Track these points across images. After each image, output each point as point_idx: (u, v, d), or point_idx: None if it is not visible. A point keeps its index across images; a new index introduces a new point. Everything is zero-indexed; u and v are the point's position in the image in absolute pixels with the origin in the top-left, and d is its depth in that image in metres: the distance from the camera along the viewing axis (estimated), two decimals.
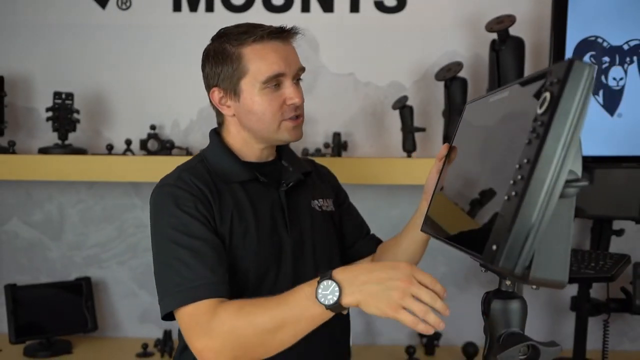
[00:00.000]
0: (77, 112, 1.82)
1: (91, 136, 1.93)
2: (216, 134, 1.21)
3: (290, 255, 1.14)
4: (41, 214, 1.98)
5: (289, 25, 1.13)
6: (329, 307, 0.85)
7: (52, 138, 1.86)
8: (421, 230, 1.02)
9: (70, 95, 1.81)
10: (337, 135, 1.83)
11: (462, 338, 1.88)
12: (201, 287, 0.98)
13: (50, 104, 1.82)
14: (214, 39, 1.15)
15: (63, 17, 1.91)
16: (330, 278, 0.86)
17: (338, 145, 1.82)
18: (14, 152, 1.79)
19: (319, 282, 0.86)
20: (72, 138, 1.87)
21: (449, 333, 1.93)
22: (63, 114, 1.79)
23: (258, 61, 1.09)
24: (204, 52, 1.17)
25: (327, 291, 0.85)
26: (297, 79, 1.15)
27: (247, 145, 1.18)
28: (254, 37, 1.09)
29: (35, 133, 1.93)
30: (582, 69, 0.59)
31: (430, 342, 1.86)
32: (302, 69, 1.15)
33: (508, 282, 0.75)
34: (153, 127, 1.85)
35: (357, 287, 0.84)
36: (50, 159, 1.74)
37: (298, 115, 1.14)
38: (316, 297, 0.85)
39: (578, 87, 0.59)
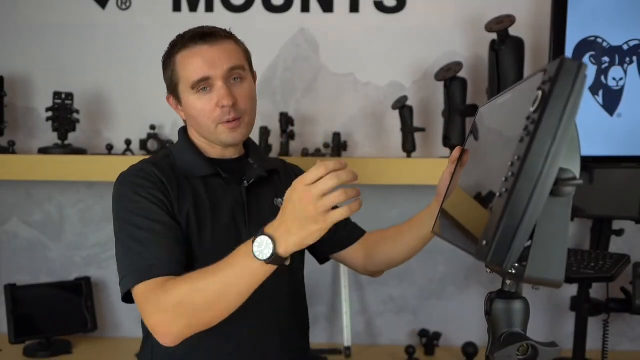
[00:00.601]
0: (77, 112, 1.83)
1: (91, 136, 1.93)
2: (184, 132, 1.26)
3: None
4: (41, 214, 1.98)
5: (224, 28, 1.16)
6: (268, 261, 0.88)
7: (52, 138, 1.86)
8: (432, 231, 1.02)
9: (70, 95, 1.81)
10: (336, 135, 1.83)
11: (462, 338, 1.88)
12: (155, 266, 1.01)
13: (50, 104, 1.82)
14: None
15: (63, 17, 1.91)
16: (263, 234, 0.88)
17: (338, 146, 1.83)
18: (14, 152, 1.79)
19: (253, 241, 0.89)
20: (72, 138, 1.87)
21: (449, 333, 1.93)
22: (63, 114, 1.79)
23: (185, 68, 1.13)
24: None
25: (262, 247, 0.88)
26: (234, 78, 1.14)
27: (207, 144, 1.21)
28: (181, 43, 1.14)
29: (35, 133, 1.93)
30: (573, 67, 0.59)
31: (430, 342, 1.86)
32: (238, 67, 1.14)
33: (509, 282, 0.75)
34: (153, 127, 1.85)
35: (284, 231, 0.87)
36: (50, 159, 1.74)
37: (235, 118, 1.13)
38: (253, 255, 0.88)
39: (569, 85, 0.59)
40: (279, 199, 1.24)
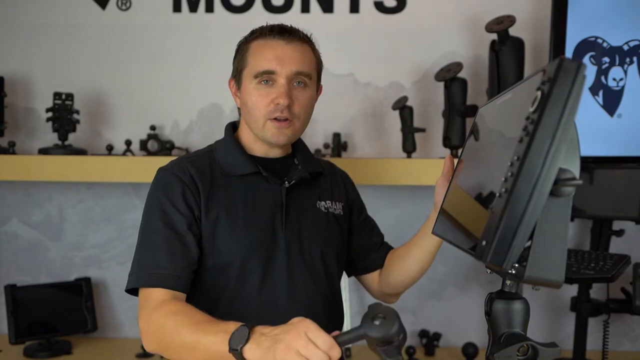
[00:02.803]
0: (77, 112, 1.82)
1: (91, 137, 1.93)
2: (231, 127, 1.26)
3: (284, 252, 1.14)
4: (41, 214, 1.98)
5: (299, 29, 1.17)
6: (231, 351, 0.87)
7: (52, 138, 1.86)
8: (432, 232, 1.02)
9: (70, 96, 1.81)
10: (337, 136, 1.83)
11: (462, 338, 1.88)
12: (158, 276, 1.05)
13: (50, 104, 1.82)
14: None
15: (63, 17, 1.91)
16: (250, 329, 0.87)
17: (338, 146, 1.83)
18: (14, 153, 1.79)
19: (242, 325, 0.88)
20: (72, 138, 1.87)
21: (449, 333, 1.93)
22: (63, 114, 1.79)
23: (255, 55, 1.14)
24: None
25: (239, 338, 0.87)
26: (297, 82, 1.14)
27: (254, 141, 1.20)
28: (260, 33, 1.15)
29: (35, 133, 1.93)
30: (572, 67, 0.59)
31: (430, 342, 1.86)
32: (304, 73, 1.14)
33: (509, 282, 0.75)
34: (153, 128, 1.85)
35: (257, 342, 0.85)
36: (50, 160, 1.74)
37: (286, 118, 1.13)
38: (230, 337, 0.87)
39: (567, 85, 0.59)
40: (322, 202, 1.23)
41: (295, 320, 0.84)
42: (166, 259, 1.07)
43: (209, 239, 1.11)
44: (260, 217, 1.14)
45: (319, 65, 1.21)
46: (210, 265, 1.12)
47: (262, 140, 1.18)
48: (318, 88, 1.23)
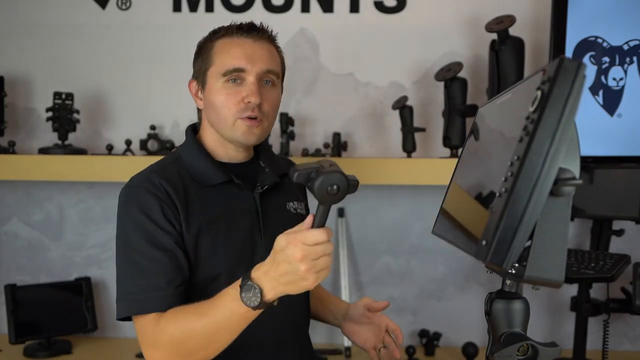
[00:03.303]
0: (77, 112, 1.83)
1: (91, 136, 1.93)
2: (192, 130, 1.21)
3: (265, 258, 1.12)
4: (41, 214, 1.98)
5: (265, 27, 1.14)
6: (256, 308, 0.90)
7: (52, 138, 1.86)
8: (432, 232, 1.01)
9: (70, 95, 1.81)
10: (337, 136, 1.83)
11: (462, 338, 1.88)
12: (152, 299, 1.01)
13: (50, 104, 1.82)
14: None
15: (63, 17, 1.91)
16: (250, 280, 0.90)
17: (338, 146, 1.83)
18: (14, 152, 1.79)
19: (241, 287, 0.90)
20: (72, 138, 1.87)
21: (449, 333, 1.93)
22: (63, 114, 1.79)
23: (222, 54, 1.11)
24: None
25: (250, 294, 0.89)
26: (265, 81, 1.12)
27: (219, 145, 1.16)
28: (225, 31, 1.12)
29: (35, 133, 1.93)
30: (572, 66, 0.59)
31: (431, 342, 1.86)
32: (272, 72, 1.12)
33: (509, 282, 0.75)
34: (153, 127, 1.85)
35: (273, 282, 0.88)
36: (50, 159, 1.74)
37: (256, 117, 1.10)
38: (242, 301, 0.90)
39: (568, 85, 0.59)
40: (290, 204, 1.22)
41: (278, 246, 0.87)
42: (158, 278, 1.02)
43: (192, 254, 1.07)
44: (239, 226, 1.12)
45: (283, 66, 1.18)
46: (195, 280, 1.08)
47: (230, 141, 1.14)
48: (281, 88, 1.20)
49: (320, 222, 0.87)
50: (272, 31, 1.16)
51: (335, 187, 0.84)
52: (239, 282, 0.91)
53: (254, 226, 1.13)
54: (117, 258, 1.07)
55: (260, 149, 1.23)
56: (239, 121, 1.10)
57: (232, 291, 0.92)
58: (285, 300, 0.94)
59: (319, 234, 0.85)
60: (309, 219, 0.88)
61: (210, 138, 1.17)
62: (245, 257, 1.11)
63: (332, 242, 0.88)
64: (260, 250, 1.12)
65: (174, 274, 1.04)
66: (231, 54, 1.10)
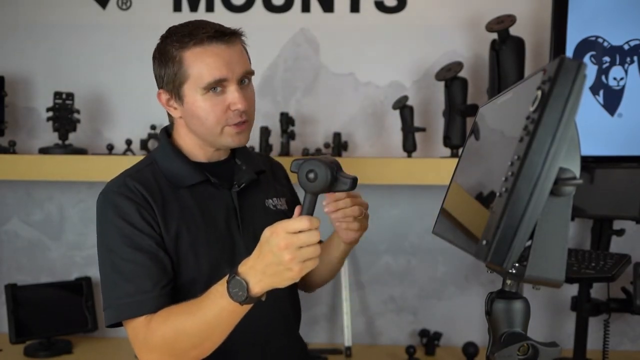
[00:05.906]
0: (78, 112, 1.83)
1: (91, 136, 1.93)
2: (166, 134, 1.19)
3: (245, 256, 1.09)
4: (41, 214, 1.98)
5: (233, 27, 1.11)
6: (243, 302, 0.91)
7: (52, 138, 1.86)
8: (433, 232, 1.01)
9: (70, 95, 1.81)
10: (337, 135, 1.83)
11: (463, 338, 1.88)
12: (140, 302, 1.02)
13: (50, 104, 1.82)
14: (161, 38, 1.13)
15: (63, 17, 1.91)
16: (237, 275, 0.90)
17: (338, 145, 1.83)
18: (14, 152, 1.79)
19: (228, 282, 0.91)
20: (73, 138, 1.87)
21: (449, 333, 1.93)
22: (63, 114, 1.79)
23: (198, 66, 1.06)
24: (153, 52, 1.15)
25: (237, 288, 0.90)
26: (242, 81, 1.11)
27: (197, 147, 1.16)
28: (194, 40, 1.06)
29: (36, 133, 1.93)
30: (572, 66, 0.59)
31: (431, 342, 1.86)
32: (250, 72, 1.12)
33: (509, 282, 0.75)
34: (153, 127, 1.85)
35: (259, 275, 0.89)
36: (50, 159, 1.74)
37: (244, 121, 1.10)
38: (229, 296, 0.91)
39: (568, 85, 0.59)
40: (269, 200, 1.22)
41: (263, 237, 0.88)
42: (144, 281, 1.02)
43: (173, 256, 1.08)
44: (217, 226, 1.12)
45: (249, 57, 1.16)
46: (178, 282, 1.08)
47: (215, 146, 1.14)
48: None
49: (307, 212, 0.89)
50: (239, 28, 1.12)
51: (312, 174, 0.87)
52: (226, 278, 0.92)
53: (232, 225, 1.13)
54: (100, 265, 1.07)
55: (236, 148, 1.21)
56: (227, 128, 1.10)
57: (220, 287, 0.93)
58: (272, 295, 0.95)
59: (300, 222, 0.85)
60: (297, 211, 0.89)
61: (187, 141, 1.16)
62: (226, 255, 1.11)
63: (319, 231, 0.87)
64: (240, 247, 1.13)
65: (159, 276, 1.04)
66: (209, 66, 1.06)
